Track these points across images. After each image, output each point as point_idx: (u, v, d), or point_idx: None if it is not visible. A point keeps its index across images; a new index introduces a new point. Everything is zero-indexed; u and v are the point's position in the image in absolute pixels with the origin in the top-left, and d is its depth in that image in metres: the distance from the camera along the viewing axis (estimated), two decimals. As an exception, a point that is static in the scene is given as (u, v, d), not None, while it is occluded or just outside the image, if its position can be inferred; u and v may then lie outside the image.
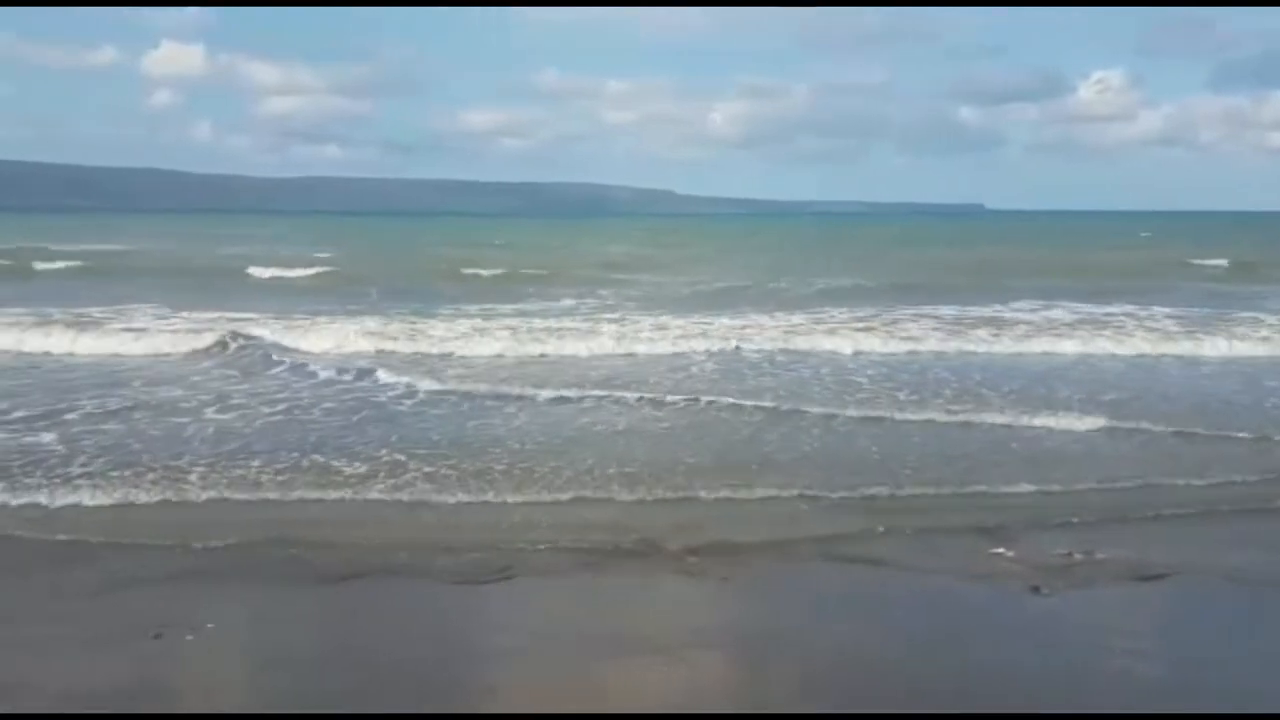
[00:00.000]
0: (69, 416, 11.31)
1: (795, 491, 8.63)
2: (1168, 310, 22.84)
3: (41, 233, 66.52)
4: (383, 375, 14.03)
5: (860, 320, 20.88)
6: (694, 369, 15.27)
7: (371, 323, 19.47)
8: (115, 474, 8.91)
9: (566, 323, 20.58)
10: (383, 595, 6.55)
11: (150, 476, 8.86)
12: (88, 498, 8.24)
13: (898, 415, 11.71)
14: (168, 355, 16.28)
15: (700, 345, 17.14)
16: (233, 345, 16.73)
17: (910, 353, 17.00)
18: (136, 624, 5.90)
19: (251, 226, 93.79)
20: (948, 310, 23.45)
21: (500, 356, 16.37)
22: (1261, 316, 21.53)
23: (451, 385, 13.46)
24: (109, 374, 14.35)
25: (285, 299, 25.60)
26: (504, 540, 7.39)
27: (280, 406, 12.20)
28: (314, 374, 14.45)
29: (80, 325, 18.46)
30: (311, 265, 37.32)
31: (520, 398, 12.72)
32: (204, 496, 8.42)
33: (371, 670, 5.39)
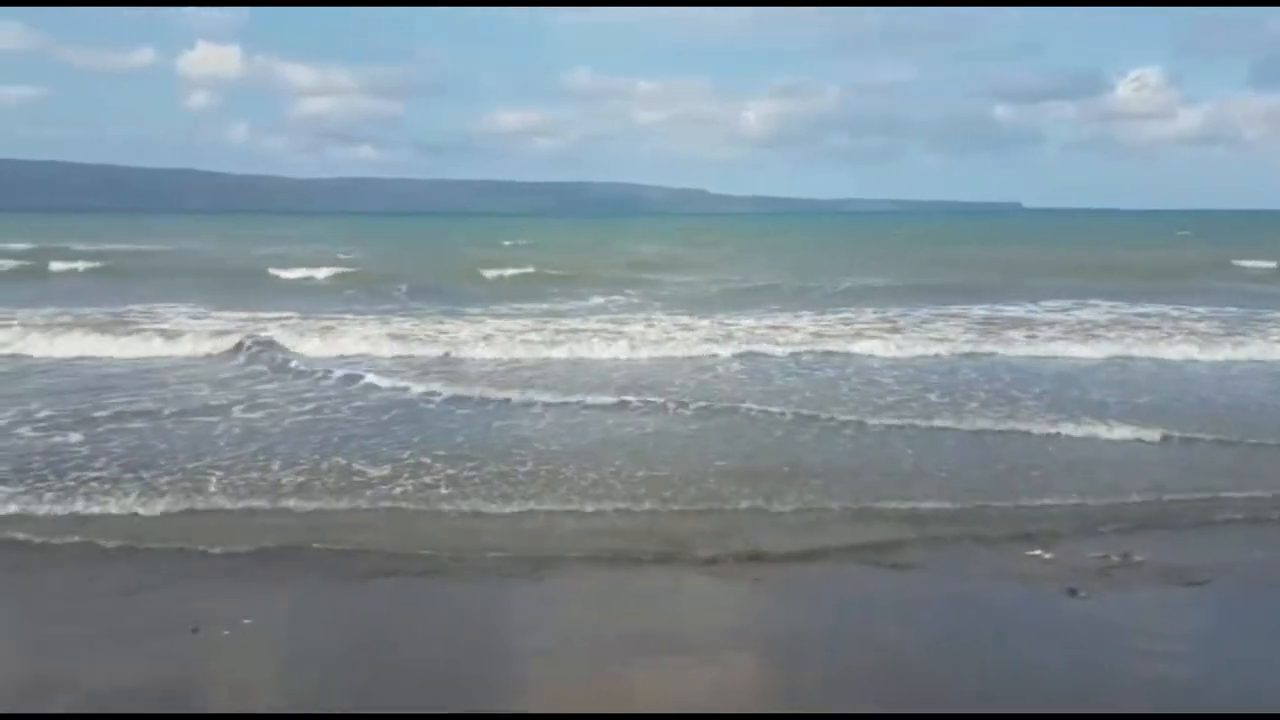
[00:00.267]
0: (98, 415, 11.51)
1: (826, 499, 8.49)
2: (1204, 310, 22.43)
3: (77, 233, 67.62)
4: (401, 381, 13.78)
5: (888, 320, 20.76)
6: (720, 370, 15.16)
7: (397, 324, 19.55)
8: (150, 476, 8.99)
9: (593, 323, 20.59)
10: (414, 594, 6.65)
11: (170, 479, 8.92)
12: (132, 502, 8.27)
13: (925, 422, 11.35)
14: (188, 358, 16.21)
15: (726, 349, 16.82)
16: (250, 349, 16.53)
17: (937, 356, 16.58)
18: (174, 620, 6.03)
19: (287, 227, 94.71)
20: (979, 310, 23.27)
21: (522, 360, 16.07)
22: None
23: (475, 390, 13.16)
24: (124, 377, 14.27)
25: (310, 300, 25.72)
26: (531, 544, 7.42)
27: (307, 408, 12.22)
28: (331, 378, 14.23)
29: (88, 327, 18.46)
30: (337, 265, 37.37)
31: (545, 404, 12.43)
32: (237, 499, 8.45)
33: (402, 667, 5.49)
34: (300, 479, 8.95)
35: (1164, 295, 25.82)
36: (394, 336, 17.85)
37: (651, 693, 5.23)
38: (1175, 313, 22.19)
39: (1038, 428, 11.06)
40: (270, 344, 16.89)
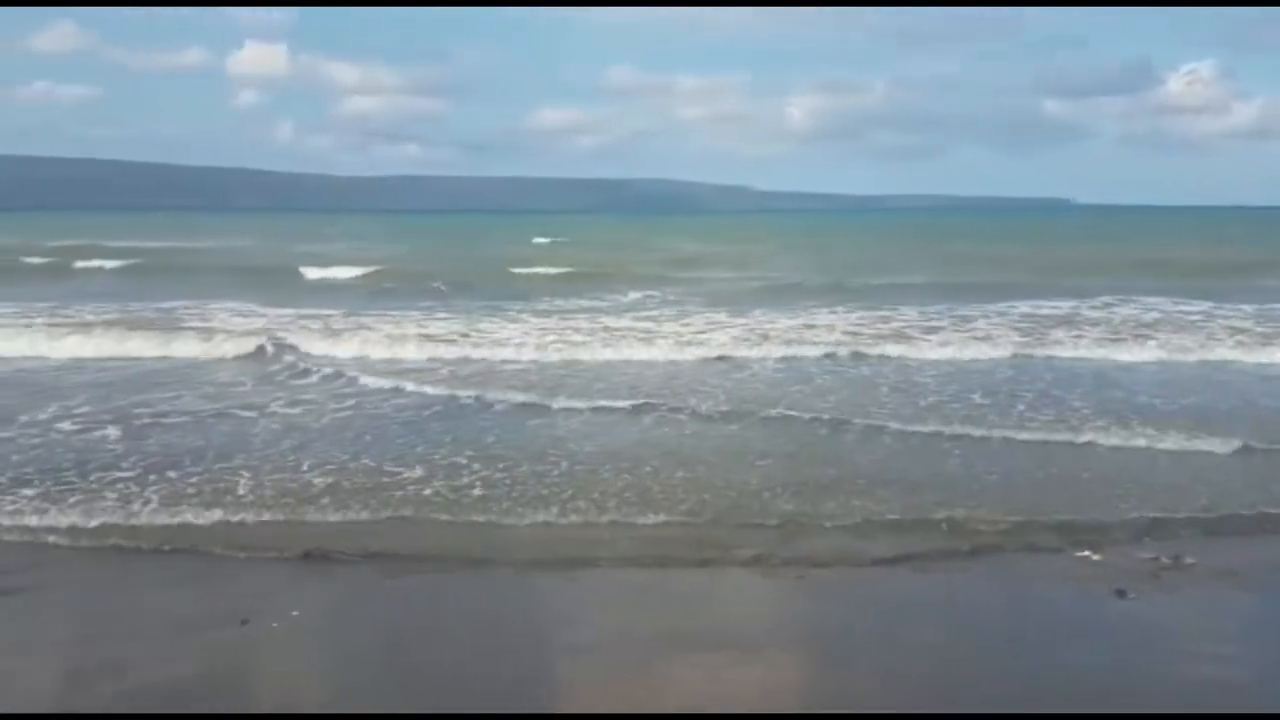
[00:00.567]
0: (139, 412, 11.82)
1: (869, 503, 8.36)
2: (1250, 309, 21.86)
3: (121, 230, 69.14)
4: (426, 385, 13.47)
5: (928, 319, 20.51)
6: (756, 371, 15.01)
7: (428, 325, 19.53)
8: (177, 476, 9.14)
9: (628, 320, 20.61)
10: (454, 590, 6.76)
11: (198, 480, 9.06)
12: (183, 503, 8.40)
13: (969, 429, 10.92)
14: (211, 359, 16.11)
15: (762, 350, 16.58)
16: (271, 351, 16.41)
17: (977, 358, 16.11)
18: (225, 612, 6.17)
19: (331, 225, 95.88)
20: (1023, 307, 22.97)
21: (554, 361, 15.80)
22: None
23: (504, 395, 12.88)
24: (136, 377, 14.27)
25: (339, 298, 25.77)
26: (566, 545, 7.48)
27: (346, 410, 12.23)
28: (351, 382, 13.97)
29: (123, 326, 18.61)
30: (371, 264, 36.98)
31: (576, 408, 12.18)
32: (275, 502, 8.51)
33: (444, 660, 5.63)
34: (329, 480, 9.00)
35: (1216, 294, 25.19)
36: (424, 337, 17.72)
37: (688, 691, 5.25)
38: (1218, 311, 21.71)
39: (1083, 436, 10.61)
40: (288, 346, 16.75)
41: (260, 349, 16.58)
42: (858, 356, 16.18)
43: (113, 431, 10.84)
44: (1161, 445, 10.27)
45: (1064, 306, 23.14)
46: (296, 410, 12.12)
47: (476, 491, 8.71)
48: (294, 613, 6.22)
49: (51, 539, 7.60)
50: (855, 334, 18.38)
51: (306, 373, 14.79)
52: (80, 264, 37.92)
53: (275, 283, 30.66)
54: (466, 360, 15.83)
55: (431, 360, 15.82)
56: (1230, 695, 5.22)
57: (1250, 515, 8.15)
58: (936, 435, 10.73)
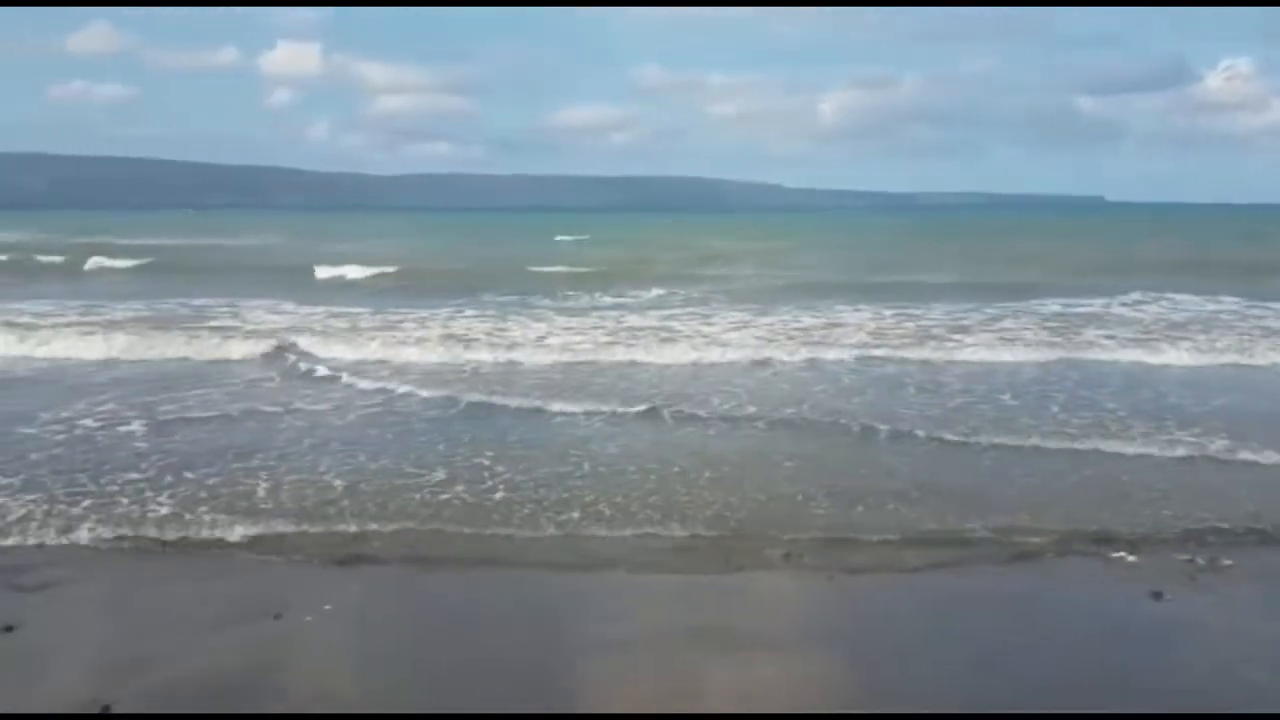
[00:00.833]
0: (164, 410, 11.96)
1: (900, 509, 8.19)
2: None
3: (151, 229, 69.94)
4: (439, 389, 13.12)
5: (957, 318, 20.36)
6: (780, 373, 14.76)
7: (449, 325, 19.33)
8: (196, 477, 9.21)
9: (652, 319, 20.60)
10: (484, 587, 6.77)
11: (215, 480, 9.12)
12: (201, 505, 8.43)
13: (995, 436, 10.55)
14: (230, 360, 15.88)
15: (785, 351, 16.16)
16: (277, 354, 16.16)
17: (1006, 361, 15.68)
18: (259, 606, 6.27)
19: (362, 224, 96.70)
20: (1052, 305, 22.78)
21: (574, 363, 15.45)
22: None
23: (518, 400, 12.50)
24: (144, 382, 13.95)
25: (356, 298, 25.70)
26: (591, 547, 7.48)
27: (372, 410, 12.14)
28: (364, 386, 13.55)
29: (142, 326, 18.65)
30: (393, 263, 36.44)
31: (593, 412, 11.87)
32: (300, 502, 8.56)
33: (475, 655, 5.69)
34: (347, 483, 8.96)
35: (1250, 293, 24.74)
36: (446, 338, 17.57)
37: (719, 691, 5.25)
38: (1257, 311, 21.28)
39: (1120, 443, 10.20)
40: (305, 350, 16.37)
41: (278, 350, 16.38)
42: (883, 358, 15.83)
43: (136, 429, 11.00)
44: (1203, 453, 9.85)
45: (1094, 304, 22.96)
46: (319, 409, 12.14)
47: (499, 495, 8.64)
48: (326, 607, 6.31)
49: (72, 538, 7.67)
50: (881, 333, 18.26)
51: (314, 376, 14.49)
52: (114, 262, 38.45)
53: (304, 281, 31.03)
54: (482, 362, 15.60)
55: (444, 363, 15.54)
56: (1264, 697, 5.19)
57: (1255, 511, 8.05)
58: (967, 443, 10.38)
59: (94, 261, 38.50)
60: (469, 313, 21.68)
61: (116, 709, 5.02)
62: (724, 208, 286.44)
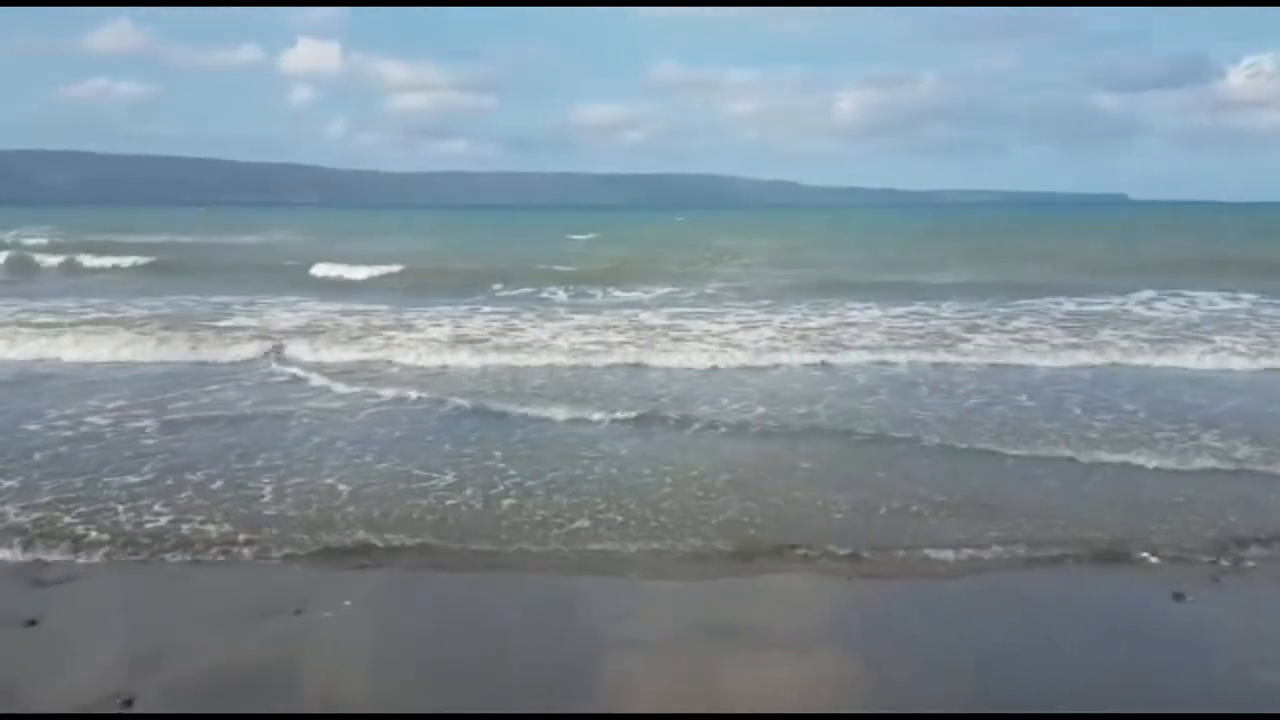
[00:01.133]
0: (175, 408, 12.06)
1: (920, 521, 7.98)
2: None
3: (177, 226, 70.04)
4: (435, 393, 12.85)
5: (970, 317, 20.29)
6: (787, 378, 14.45)
7: (451, 326, 19.06)
8: (201, 478, 9.24)
9: (656, 319, 20.54)
10: (507, 586, 6.80)
11: (222, 480, 9.22)
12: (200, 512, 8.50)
13: (1015, 445, 10.20)
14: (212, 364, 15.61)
15: (794, 354, 15.90)
16: (269, 356, 15.94)
17: (1019, 365, 15.36)
18: (280, 601, 6.39)
19: (376, 221, 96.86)
20: (1069, 305, 22.72)
21: (578, 366, 15.16)
22: None
23: (519, 407, 12.12)
24: (131, 381, 14.00)
25: (360, 296, 25.39)
26: (604, 547, 7.51)
27: (375, 413, 12.06)
28: (357, 390, 13.28)
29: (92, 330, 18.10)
30: (401, 261, 35.58)
31: (599, 420, 11.50)
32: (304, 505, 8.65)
33: (490, 651, 5.77)
34: (351, 488, 8.90)
35: (1272, 291, 24.58)
36: (443, 339, 17.33)
37: (735, 693, 5.29)
38: (1270, 311, 21.13)
39: (1144, 454, 9.84)
40: (285, 351, 16.14)
41: (268, 354, 16.09)
42: (895, 359, 15.64)
43: (149, 424, 11.15)
44: (1229, 465, 9.50)
45: (1110, 303, 22.86)
46: (323, 415, 11.92)
47: (508, 502, 8.52)
48: (346, 602, 6.41)
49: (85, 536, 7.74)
50: (894, 333, 18.20)
51: (302, 381, 14.07)
52: (101, 260, 38.60)
53: (317, 279, 31.16)
54: (486, 364, 15.33)
55: (447, 366, 15.29)
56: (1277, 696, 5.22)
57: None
58: (984, 448, 10.18)
59: (94, 261, 38.54)
60: (464, 310, 21.61)
61: (138, 703, 5.11)
62: (740, 205, 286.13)
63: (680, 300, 24.84)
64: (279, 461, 9.67)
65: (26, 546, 7.42)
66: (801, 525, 7.86)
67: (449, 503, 8.46)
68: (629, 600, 6.56)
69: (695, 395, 12.97)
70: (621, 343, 17.02)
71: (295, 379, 14.20)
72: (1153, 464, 9.54)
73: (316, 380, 13.97)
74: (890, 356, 15.86)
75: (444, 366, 15.28)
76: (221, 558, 7.29)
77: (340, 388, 13.41)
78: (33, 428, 11.12)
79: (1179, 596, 6.47)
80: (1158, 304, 22.76)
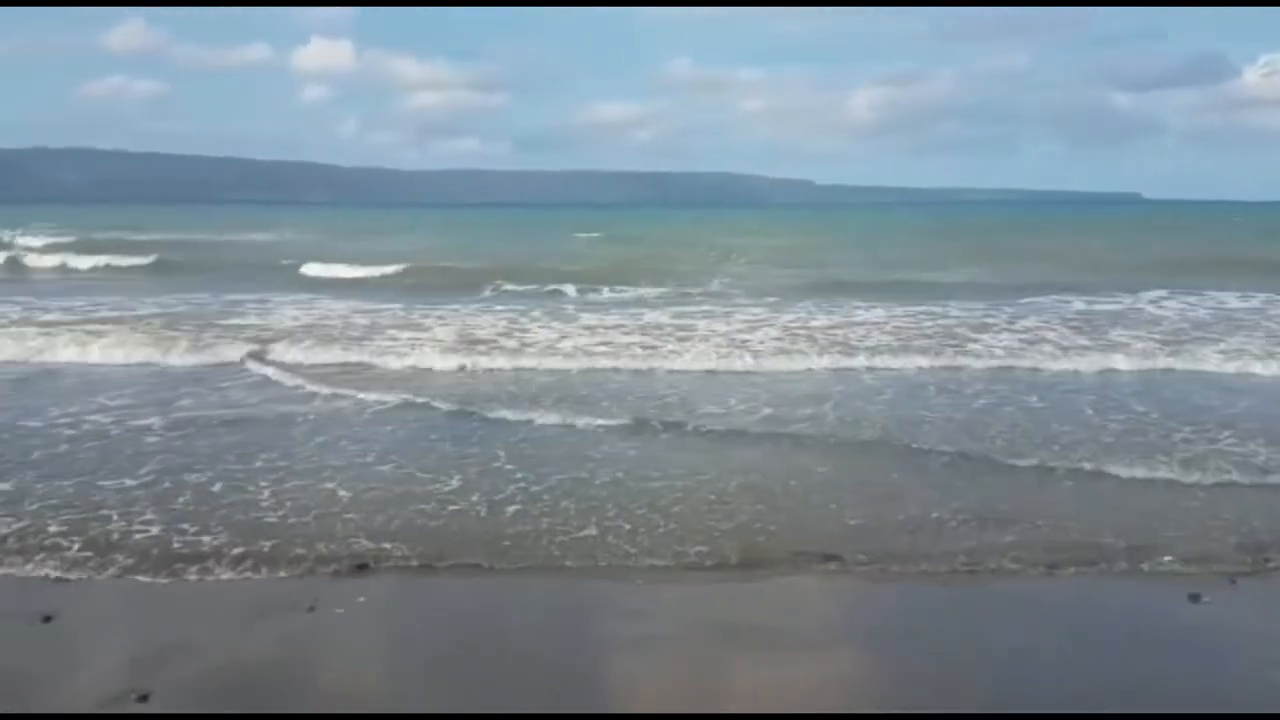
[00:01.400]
0: (182, 406, 12.14)
1: (926, 542, 7.65)
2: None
3: (191, 223, 70.03)
4: (428, 397, 12.48)
5: (978, 316, 20.27)
6: (788, 381, 14.17)
7: (450, 326, 18.75)
8: (201, 479, 9.37)
9: (668, 315, 20.49)
10: (521, 587, 6.81)
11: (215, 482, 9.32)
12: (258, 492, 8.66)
13: (1033, 457, 9.85)
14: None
15: (798, 358, 15.52)
16: (242, 362, 15.34)
17: (1027, 368, 15.00)
18: (293, 598, 6.49)
19: (385, 220, 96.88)
20: (1079, 303, 22.72)
21: (576, 370, 14.77)
22: None
23: (506, 412, 11.76)
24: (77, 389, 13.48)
25: (355, 295, 25.27)
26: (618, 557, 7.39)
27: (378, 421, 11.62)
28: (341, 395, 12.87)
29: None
30: (401, 260, 34.90)
31: (598, 426, 11.10)
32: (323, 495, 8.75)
33: (506, 648, 5.82)
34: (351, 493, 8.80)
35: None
36: (459, 341, 17.06)
37: (745, 695, 5.30)
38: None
39: (1166, 468, 9.38)
40: (267, 354, 15.68)
41: (248, 357, 15.60)
42: (900, 363, 15.28)
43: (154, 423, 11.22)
44: (1249, 477, 9.16)
45: (1121, 302, 22.79)
46: (316, 422, 11.53)
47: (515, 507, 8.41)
48: (360, 599, 6.51)
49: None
50: (900, 333, 18.12)
51: (282, 384, 13.76)
52: (90, 259, 38.64)
53: (326, 278, 31.05)
54: (478, 368, 14.96)
55: (443, 370, 14.92)
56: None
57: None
58: (997, 455, 9.92)
59: (87, 260, 38.34)
60: (465, 310, 21.44)
61: (154, 698, 5.19)
62: (753, 203, 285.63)
63: (687, 299, 24.71)
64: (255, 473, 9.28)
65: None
66: (814, 531, 7.77)
67: (452, 508, 8.33)
68: (638, 604, 6.53)
69: (702, 398, 12.82)
70: (628, 344, 16.85)
71: (268, 380, 14.00)
72: (1168, 473, 9.24)
73: (289, 381, 13.80)
74: (897, 356, 15.65)
75: (445, 370, 14.92)
76: (194, 576, 7.01)
77: (344, 392, 13.03)
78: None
79: (1195, 598, 6.45)
80: (1168, 303, 22.69)
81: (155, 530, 7.73)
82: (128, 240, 48.06)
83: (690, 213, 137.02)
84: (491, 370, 14.88)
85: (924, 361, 15.36)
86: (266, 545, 7.38)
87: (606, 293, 26.57)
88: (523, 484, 8.95)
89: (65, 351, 16.01)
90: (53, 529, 7.73)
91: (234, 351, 15.93)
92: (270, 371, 14.51)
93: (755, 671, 5.54)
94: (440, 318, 20.16)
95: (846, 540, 7.53)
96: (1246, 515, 8.06)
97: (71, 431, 10.91)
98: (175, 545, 7.43)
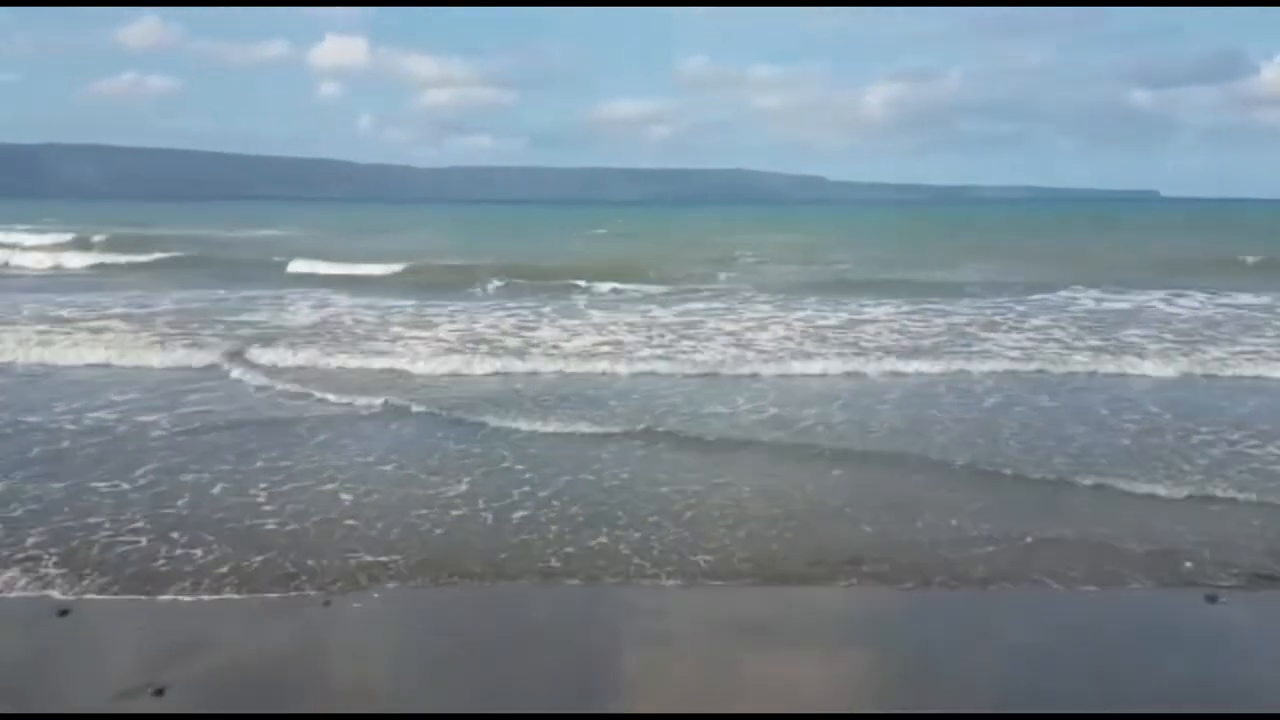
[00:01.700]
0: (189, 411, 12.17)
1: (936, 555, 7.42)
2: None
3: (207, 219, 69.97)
4: (420, 404, 12.02)
5: (987, 315, 20.27)
6: (802, 380, 14.07)
7: (452, 326, 18.49)
8: (205, 478, 9.38)
9: (673, 314, 20.37)
10: (538, 591, 6.78)
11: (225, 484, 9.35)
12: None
13: (1023, 460, 9.72)
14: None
15: (809, 358, 15.18)
16: (223, 364, 14.82)
17: (1037, 370, 14.70)
18: (310, 593, 6.58)
19: (398, 217, 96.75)
20: (1087, 302, 22.71)
21: (574, 374, 14.36)
22: None
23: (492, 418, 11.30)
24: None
25: (356, 293, 25.15)
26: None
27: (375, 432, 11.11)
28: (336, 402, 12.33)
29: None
30: (427, 256, 34.72)
31: (594, 434, 10.72)
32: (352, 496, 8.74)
33: (519, 652, 5.83)
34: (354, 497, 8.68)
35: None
36: (461, 341, 16.72)
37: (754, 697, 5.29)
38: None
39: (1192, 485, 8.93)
40: (243, 356, 15.18)
41: (225, 358, 15.11)
42: (909, 366, 14.85)
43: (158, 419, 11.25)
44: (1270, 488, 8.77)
45: (1132, 301, 22.74)
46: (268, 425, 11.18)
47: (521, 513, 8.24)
48: (375, 596, 6.58)
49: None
50: (910, 332, 18.03)
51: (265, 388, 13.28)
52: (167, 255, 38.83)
53: (338, 276, 30.60)
54: (471, 373, 14.41)
55: (446, 371, 14.48)
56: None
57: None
58: (1012, 460, 9.71)
59: (80, 259, 37.79)
60: (466, 310, 21.17)
61: (170, 693, 5.25)
62: (768, 200, 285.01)
63: (695, 296, 24.59)
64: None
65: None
66: (828, 539, 7.60)
67: (455, 513, 8.20)
68: (652, 608, 6.47)
69: (707, 401, 12.48)
70: (634, 343, 16.70)
71: (240, 383, 13.66)
72: (1181, 486, 8.88)
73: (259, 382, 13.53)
74: (907, 358, 15.32)
75: (445, 372, 14.41)
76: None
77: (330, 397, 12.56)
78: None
79: (1211, 598, 6.44)
80: (1180, 301, 22.58)
81: (144, 541, 7.50)
82: (127, 237, 47.13)
83: (704, 210, 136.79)
84: (493, 373, 14.37)
85: (933, 364, 14.99)
86: (257, 560, 7.14)
87: (625, 289, 26.42)
88: (529, 489, 8.79)
89: (27, 351, 15.63)
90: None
91: (204, 356, 15.24)
92: (238, 373, 14.15)
93: (772, 682, 5.48)
94: (452, 317, 19.88)
95: (861, 549, 7.36)
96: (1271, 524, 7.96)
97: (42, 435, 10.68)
98: (160, 562, 7.15)
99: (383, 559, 7.15)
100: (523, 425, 11.03)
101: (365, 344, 16.46)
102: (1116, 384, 13.88)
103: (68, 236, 48.06)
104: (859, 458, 9.92)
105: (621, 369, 14.57)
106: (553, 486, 8.88)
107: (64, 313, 20.16)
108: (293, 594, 6.59)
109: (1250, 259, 34.62)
